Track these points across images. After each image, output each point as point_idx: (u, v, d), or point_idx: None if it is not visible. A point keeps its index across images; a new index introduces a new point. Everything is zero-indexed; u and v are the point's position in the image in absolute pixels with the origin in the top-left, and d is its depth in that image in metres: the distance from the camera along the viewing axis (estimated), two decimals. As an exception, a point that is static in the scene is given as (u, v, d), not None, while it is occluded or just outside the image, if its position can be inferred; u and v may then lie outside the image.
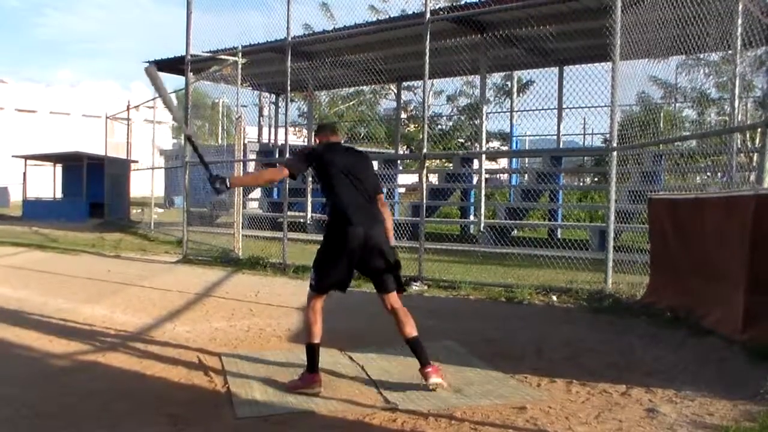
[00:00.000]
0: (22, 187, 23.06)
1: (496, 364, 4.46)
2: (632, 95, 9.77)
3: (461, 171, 13.69)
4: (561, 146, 14.46)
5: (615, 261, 6.75)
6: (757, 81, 10.70)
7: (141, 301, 6.96)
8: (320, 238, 4.13)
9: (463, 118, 20.38)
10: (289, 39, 9.81)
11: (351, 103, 21.91)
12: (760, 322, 4.36)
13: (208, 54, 11.08)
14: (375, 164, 6.93)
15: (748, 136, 8.43)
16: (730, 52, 6.72)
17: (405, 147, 21.16)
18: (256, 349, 4.97)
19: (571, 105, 13.52)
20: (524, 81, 16.84)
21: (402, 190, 17.12)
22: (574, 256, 7.68)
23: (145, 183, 19.45)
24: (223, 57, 10.97)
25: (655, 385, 3.90)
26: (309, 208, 13.32)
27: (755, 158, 6.33)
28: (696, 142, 8.75)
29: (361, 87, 19.38)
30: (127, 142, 19.73)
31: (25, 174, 22.71)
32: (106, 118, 21.67)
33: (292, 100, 16.42)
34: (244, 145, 12.18)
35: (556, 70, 13.25)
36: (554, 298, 6.76)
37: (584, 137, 19.75)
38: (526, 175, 15.16)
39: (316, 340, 3.93)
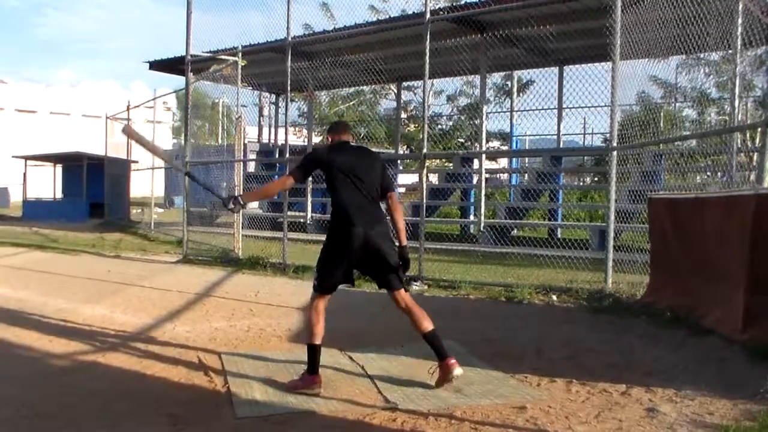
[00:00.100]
0: (22, 188, 23.02)
1: (496, 363, 4.47)
2: (632, 95, 9.76)
3: (461, 171, 13.68)
4: (561, 146, 14.46)
5: (615, 261, 6.75)
6: (757, 80, 10.71)
7: (141, 301, 6.96)
8: (320, 237, 4.15)
9: (463, 118, 20.35)
10: (289, 39, 9.80)
11: (351, 103, 21.88)
12: (760, 322, 4.36)
13: (208, 54, 11.08)
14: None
15: (748, 135, 8.44)
16: (730, 51, 6.73)
17: (405, 147, 21.13)
18: (257, 349, 4.97)
19: (571, 105, 13.55)
20: (524, 81, 16.82)
21: (402, 189, 17.11)
22: (574, 255, 7.68)
23: (145, 183, 19.44)
24: (223, 57, 10.97)
25: (655, 384, 3.90)
26: (309, 208, 13.34)
27: (755, 158, 6.33)
28: (696, 142, 8.74)
29: (361, 87, 19.36)
30: (127, 142, 19.70)
31: (25, 174, 22.68)
32: (106, 118, 21.63)
33: (292, 100, 16.41)
34: (244, 145, 12.20)
35: (556, 69, 13.25)
36: (554, 297, 6.75)
37: (584, 137, 19.80)
38: (526, 175, 15.16)
39: (318, 341, 3.94)
